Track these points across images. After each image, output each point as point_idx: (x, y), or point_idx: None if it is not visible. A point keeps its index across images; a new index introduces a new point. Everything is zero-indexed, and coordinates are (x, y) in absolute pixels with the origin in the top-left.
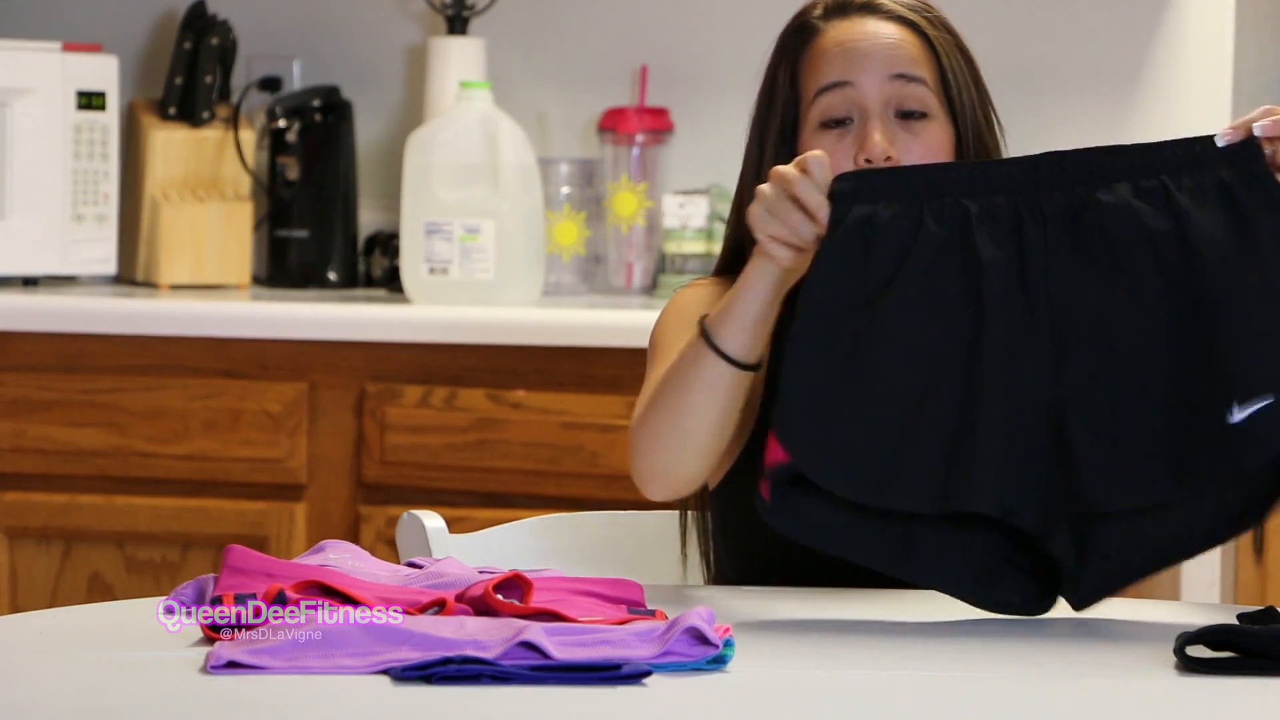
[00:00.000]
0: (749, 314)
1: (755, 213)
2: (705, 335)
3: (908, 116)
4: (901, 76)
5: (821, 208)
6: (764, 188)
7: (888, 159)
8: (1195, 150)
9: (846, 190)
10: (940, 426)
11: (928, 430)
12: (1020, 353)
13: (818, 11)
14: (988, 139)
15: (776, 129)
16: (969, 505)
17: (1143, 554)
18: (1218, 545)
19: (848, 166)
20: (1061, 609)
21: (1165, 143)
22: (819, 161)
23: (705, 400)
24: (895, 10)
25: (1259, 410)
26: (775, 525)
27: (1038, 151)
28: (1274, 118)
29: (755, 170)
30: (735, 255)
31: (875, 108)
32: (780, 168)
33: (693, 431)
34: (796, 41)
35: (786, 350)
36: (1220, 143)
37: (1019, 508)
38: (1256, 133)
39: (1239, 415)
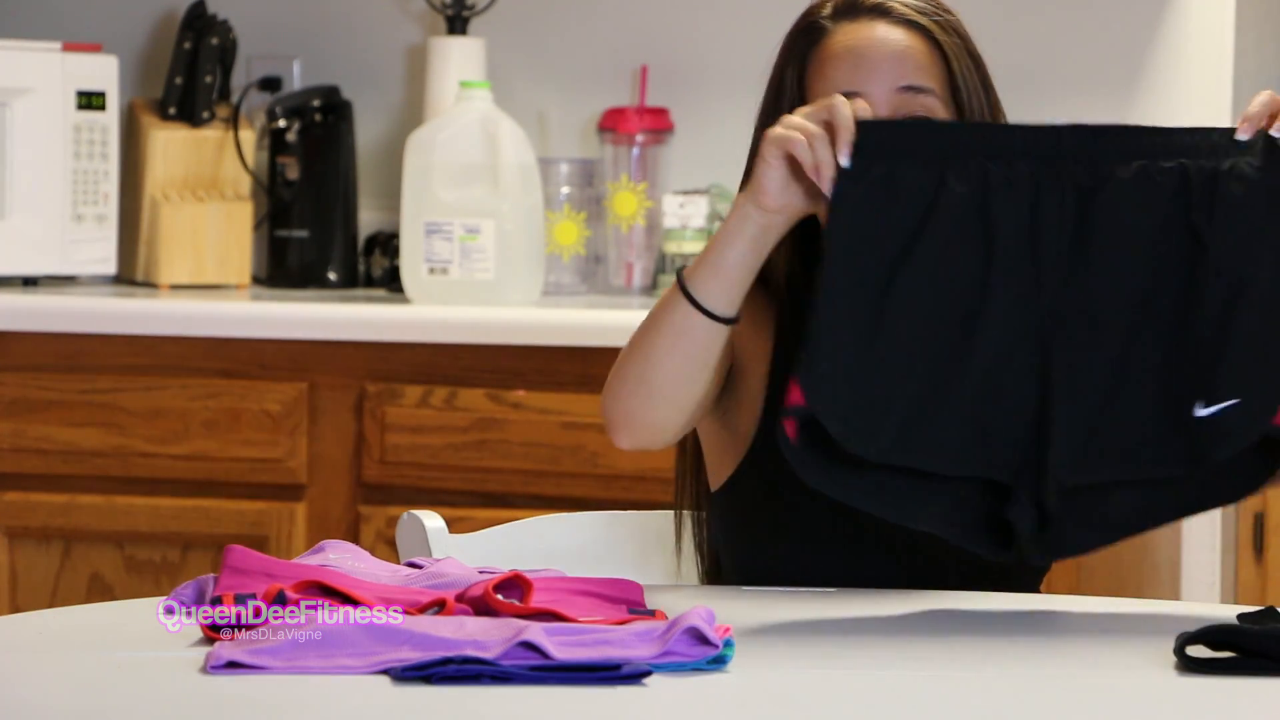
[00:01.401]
0: (727, 265)
1: (778, 133)
2: (682, 286)
3: None
4: (910, 88)
5: (848, 145)
6: (796, 114)
7: None
8: (1214, 139)
9: (872, 143)
10: (938, 388)
11: (930, 390)
12: (1021, 324)
13: (826, 11)
14: None
15: None
16: (942, 465)
17: (1110, 521)
18: (1189, 516)
19: None
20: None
21: (1186, 129)
22: (862, 106)
23: (677, 350)
24: (906, 14)
25: (1228, 407)
26: (798, 469)
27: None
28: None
29: None
30: None
31: (882, 116)
32: (824, 101)
33: (662, 381)
34: (805, 42)
35: (815, 303)
36: (1241, 137)
37: (996, 468)
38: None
39: (1202, 411)
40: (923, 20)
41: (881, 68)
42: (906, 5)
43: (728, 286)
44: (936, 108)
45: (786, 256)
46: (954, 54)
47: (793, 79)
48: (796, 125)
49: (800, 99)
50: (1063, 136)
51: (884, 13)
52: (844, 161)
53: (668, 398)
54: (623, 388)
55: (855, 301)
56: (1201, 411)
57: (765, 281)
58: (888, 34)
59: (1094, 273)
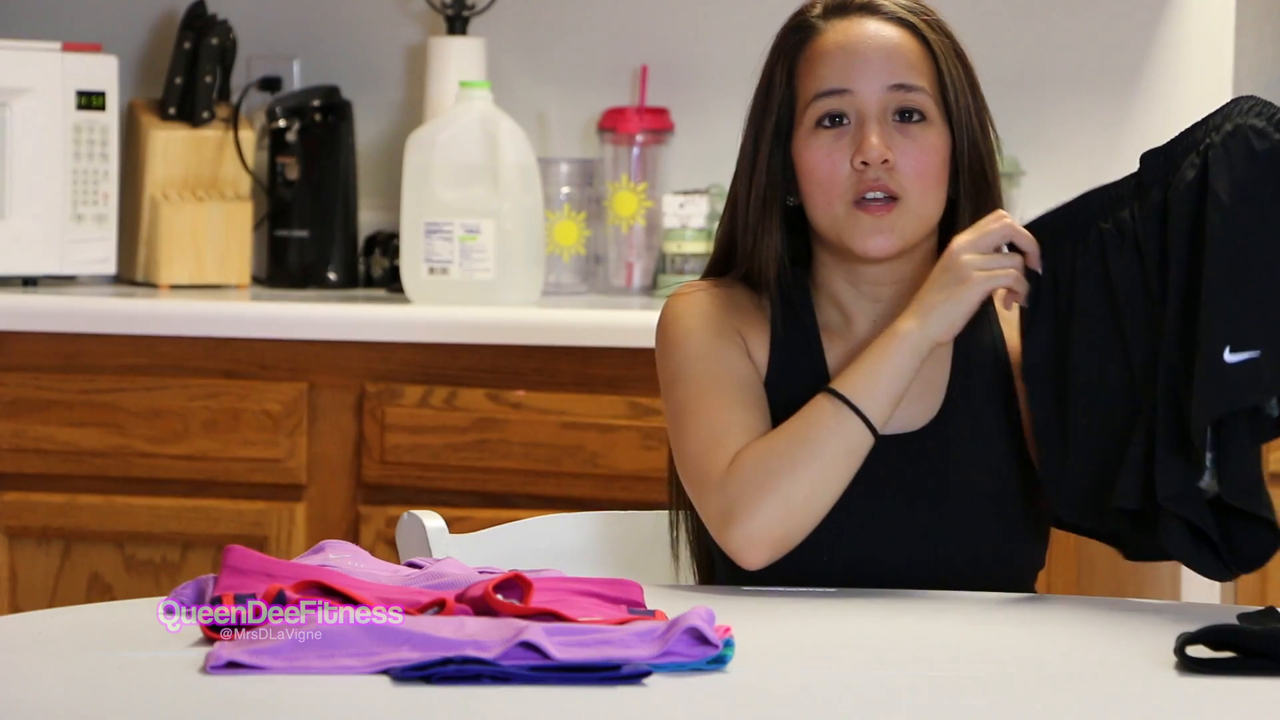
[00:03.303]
0: (900, 388)
1: (986, 275)
2: (853, 407)
3: (906, 118)
4: (900, 86)
5: (1038, 259)
6: (977, 246)
7: (884, 162)
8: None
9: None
10: (1111, 436)
11: (1108, 441)
12: (1151, 354)
13: (817, 10)
14: (981, 145)
15: (772, 127)
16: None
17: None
18: None
19: (843, 167)
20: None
21: (1231, 103)
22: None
23: (847, 470)
24: (895, 12)
25: (1246, 360)
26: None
27: (1037, 149)
28: None
29: (749, 167)
30: (727, 256)
31: (873, 112)
32: (994, 226)
33: (827, 501)
34: (795, 40)
35: (1036, 419)
36: None
37: (1185, 494)
38: None
39: (1231, 358)
40: (912, 19)
41: (873, 64)
42: (896, 4)
43: (897, 407)
44: (926, 104)
45: (776, 255)
46: (942, 53)
47: (782, 76)
48: (1000, 265)
49: (790, 96)
50: (1143, 167)
51: (874, 10)
52: (1039, 270)
53: (822, 514)
54: (783, 513)
55: (1054, 401)
56: (1230, 358)
57: (755, 283)
58: (879, 30)
59: (1176, 270)
